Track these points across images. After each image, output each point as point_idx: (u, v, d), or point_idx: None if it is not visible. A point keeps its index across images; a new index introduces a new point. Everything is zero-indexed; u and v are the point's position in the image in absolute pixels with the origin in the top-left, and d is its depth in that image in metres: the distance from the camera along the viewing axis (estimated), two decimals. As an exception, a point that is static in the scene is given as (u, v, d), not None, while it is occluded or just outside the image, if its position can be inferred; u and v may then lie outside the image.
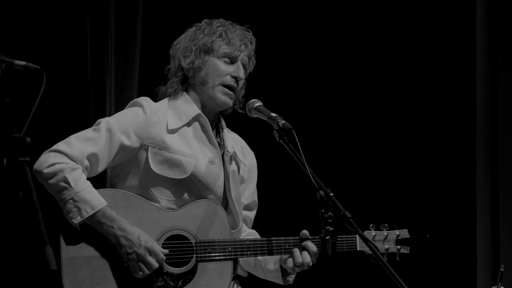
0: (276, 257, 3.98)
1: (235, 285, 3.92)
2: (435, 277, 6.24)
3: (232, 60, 3.94)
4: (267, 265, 4.00)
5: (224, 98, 3.93)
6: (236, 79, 3.93)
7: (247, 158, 4.13)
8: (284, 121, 3.72)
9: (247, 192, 4.11)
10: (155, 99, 4.02)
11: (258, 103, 3.89)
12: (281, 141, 3.70)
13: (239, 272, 3.98)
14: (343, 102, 6.38)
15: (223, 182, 3.92)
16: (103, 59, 5.71)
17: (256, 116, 3.89)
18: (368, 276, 6.09)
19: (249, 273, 4.12)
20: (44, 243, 2.59)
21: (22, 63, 3.12)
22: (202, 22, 4.02)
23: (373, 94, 6.38)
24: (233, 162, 4.02)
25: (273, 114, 3.78)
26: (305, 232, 3.88)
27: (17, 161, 2.69)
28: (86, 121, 5.56)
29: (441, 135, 6.33)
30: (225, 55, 3.93)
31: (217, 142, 3.97)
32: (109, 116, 3.89)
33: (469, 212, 6.25)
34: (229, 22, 4.03)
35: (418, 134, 6.35)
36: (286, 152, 3.67)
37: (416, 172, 6.32)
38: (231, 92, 3.93)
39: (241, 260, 3.97)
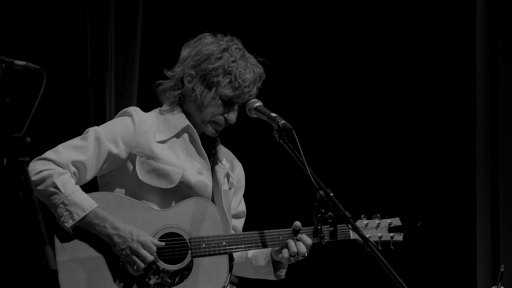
0: (266, 253, 3.99)
1: (229, 285, 3.93)
2: (435, 277, 6.24)
3: (232, 101, 3.91)
4: (258, 262, 4.02)
5: (212, 131, 3.95)
6: (227, 121, 3.92)
7: (235, 172, 4.14)
8: (284, 121, 3.72)
9: (234, 202, 4.12)
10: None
11: (258, 103, 3.89)
12: (281, 141, 3.70)
13: (230, 279, 3.98)
14: (343, 103, 6.38)
15: (211, 193, 3.93)
16: (103, 60, 5.72)
17: (256, 116, 3.89)
18: (367, 273, 6.09)
19: (240, 277, 4.13)
20: (44, 243, 2.59)
21: (22, 63, 3.12)
22: (221, 43, 3.90)
23: (373, 94, 6.38)
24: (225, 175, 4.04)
25: (273, 114, 3.78)
26: (297, 224, 3.89)
27: (17, 161, 2.69)
28: (86, 121, 5.56)
29: (441, 136, 6.33)
30: (226, 97, 3.89)
31: (208, 154, 3.97)
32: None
33: (469, 212, 6.25)
34: (245, 53, 3.92)
35: (418, 135, 6.35)
36: (286, 152, 3.67)
37: (416, 173, 6.32)
38: (220, 127, 3.94)
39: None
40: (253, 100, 3.89)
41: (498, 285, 4.01)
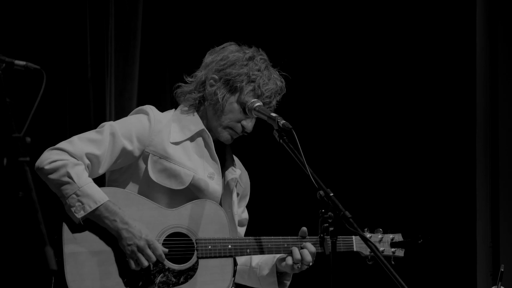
0: (270, 263, 4.00)
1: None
2: (435, 277, 6.24)
3: None
4: (262, 271, 4.02)
5: (227, 138, 3.95)
6: (244, 129, 3.93)
7: (243, 179, 4.15)
8: (284, 121, 3.72)
9: (239, 209, 4.13)
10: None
11: (258, 103, 3.89)
12: (281, 141, 3.70)
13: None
14: (343, 103, 6.38)
15: (219, 198, 3.94)
16: (103, 60, 5.72)
17: (256, 116, 3.89)
18: (367, 276, 6.09)
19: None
20: (44, 243, 2.59)
21: (22, 63, 3.12)
22: (247, 51, 3.93)
23: (373, 95, 6.38)
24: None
25: (273, 114, 3.78)
26: (304, 229, 3.90)
27: (17, 161, 2.69)
28: (86, 122, 5.56)
29: (441, 136, 6.33)
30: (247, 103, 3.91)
31: (220, 159, 3.98)
32: (109, 116, 3.91)
33: (469, 212, 6.25)
34: (269, 65, 3.95)
35: (418, 135, 6.35)
36: (286, 152, 3.67)
37: (416, 173, 6.32)
38: (236, 134, 3.96)
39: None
40: (253, 100, 3.90)
41: (498, 285, 4.01)
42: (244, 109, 3.90)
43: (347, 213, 3.48)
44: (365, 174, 6.34)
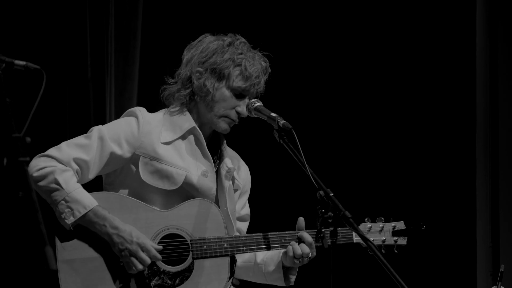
0: (276, 259, 3.99)
1: (232, 287, 3.93)
2: (435, 277, 6.24)
3: (243, 94, 3.92)
4: (268, 268, 4.01)
5: (225, 127, 3.94)
6: (239, 114, 3.93)
7: (241, 175, 4.13)
8: (284, 121, 3.72)
9: (238, 205, 4.12)
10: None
11: (258, 103, 3.89)
12: (281, 141, 3.70)
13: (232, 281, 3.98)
14: (343, 103, 6.38)
15: (214, 195, 3.93)
16: (103, 60, 5.72)
17: (256, 116, 3.89)
18: (368, 273, 6.09)
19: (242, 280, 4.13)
20: (44, 243, 2.59)
21: (22, 63, 3.12)
22: (225, 38, 3.94)
23: (373, 94, 6.38)
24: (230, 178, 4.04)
25: (273, 114, 3.78)
26: (301, 220, 3.89)
27: (17, 161, 2.69)
28: (86, 122, 5.56)
29: (441, 136, 6.33)
30: (238, 88, 3.89)
31: (214, 156, 3.97)
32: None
33: (469, 212, 6.25)
34: (250, 48, 3.95)
35: (418, 135, 6.35)
36: (286, 152, 3.67)
37: (416, 173, 6.32)
38: (232, 122, 3.94)
39: (239, 268, 3.98)
40: (253, 100, 3.90)
41: (498, 285, 4.01)
42: (236, 94, 3.90)
43: (347, 213, 3.48)
44: (365, 174, 6.34)
